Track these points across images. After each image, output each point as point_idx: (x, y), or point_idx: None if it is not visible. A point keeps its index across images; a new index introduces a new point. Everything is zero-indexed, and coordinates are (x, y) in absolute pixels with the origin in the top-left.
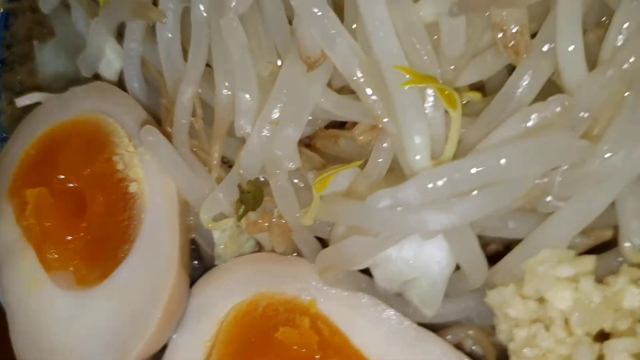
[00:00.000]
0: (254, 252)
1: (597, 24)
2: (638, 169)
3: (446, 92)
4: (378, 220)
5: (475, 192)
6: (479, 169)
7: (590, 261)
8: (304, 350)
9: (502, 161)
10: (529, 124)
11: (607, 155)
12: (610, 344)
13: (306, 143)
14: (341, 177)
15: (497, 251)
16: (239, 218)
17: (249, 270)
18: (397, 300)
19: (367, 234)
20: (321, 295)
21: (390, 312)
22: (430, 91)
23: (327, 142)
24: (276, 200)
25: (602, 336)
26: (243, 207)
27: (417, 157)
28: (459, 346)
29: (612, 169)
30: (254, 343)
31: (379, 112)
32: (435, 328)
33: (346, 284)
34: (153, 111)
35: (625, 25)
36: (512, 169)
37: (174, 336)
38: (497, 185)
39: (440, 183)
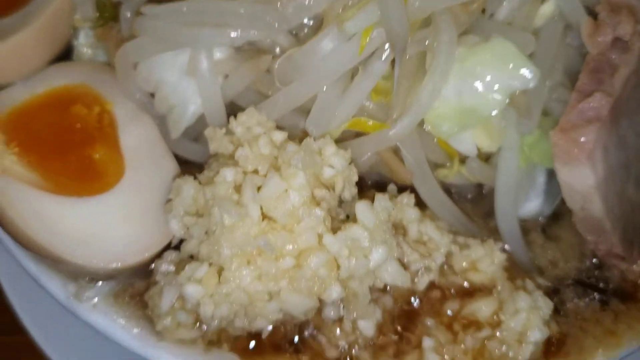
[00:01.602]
0: None
1: None
2: (341, 68)
3: None
4: (144, 26)
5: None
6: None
7: (281, 135)
8: (82, 126)
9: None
10: None
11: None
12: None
13: None
14: None
15: None
16: (93, 25)
17: (86, 68)
18: (162, 122)
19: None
20: (120, 103)
21: (155, 130)
22: None
23: None
24: (120, 17)
25: None
26: (99, 15)
27: None
28: None
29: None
30: (54, 104)
31: None
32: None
33: (136, 100)
34: None
35: None
36: (224, 15)
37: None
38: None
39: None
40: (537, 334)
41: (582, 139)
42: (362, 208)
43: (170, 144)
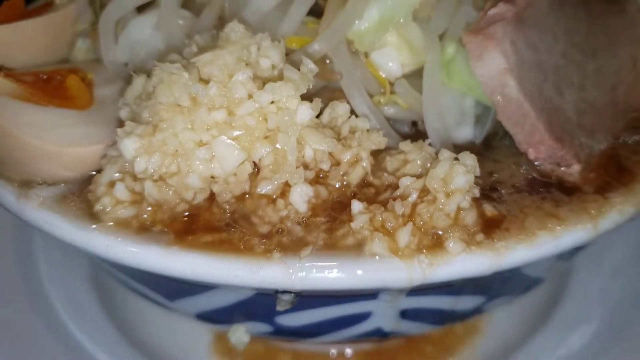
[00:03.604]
0: None
1: None
2: None
3: None
4: None
5: None
6: None
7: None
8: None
9: None
10: None
11: None
12: None
13: None
14: None
15: None
16: (90, 29)
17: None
18: None
19: None
20: (99, 73)
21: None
22: None
23: None
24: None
25: None
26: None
27: None
28: None
29: None
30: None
31: None
32: None
33: (113, 67)
34: None
35: None
36: None
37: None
38: None
39: None
40: (461, 179)
41: (490, 31)
42: (288, 68)
43: None
